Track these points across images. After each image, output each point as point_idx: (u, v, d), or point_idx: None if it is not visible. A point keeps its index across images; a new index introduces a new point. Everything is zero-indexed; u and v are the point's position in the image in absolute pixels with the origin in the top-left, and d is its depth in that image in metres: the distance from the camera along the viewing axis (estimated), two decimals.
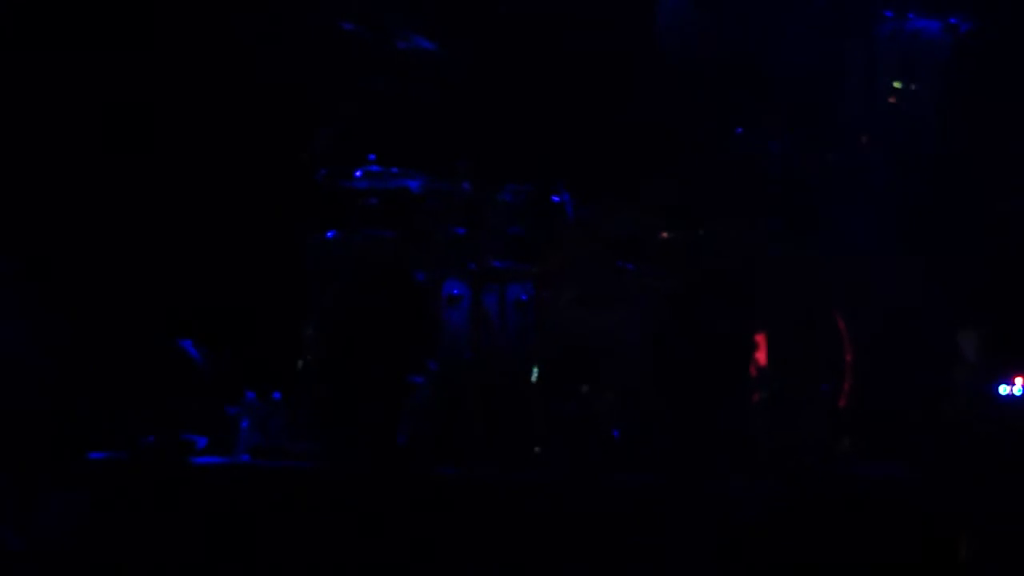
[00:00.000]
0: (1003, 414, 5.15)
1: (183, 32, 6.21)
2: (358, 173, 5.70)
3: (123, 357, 5.51)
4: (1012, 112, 5.42)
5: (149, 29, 6.17)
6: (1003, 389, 5.18)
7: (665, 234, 5.60)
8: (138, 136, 6.21)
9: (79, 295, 5.87)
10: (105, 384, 5.45)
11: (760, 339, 5.29)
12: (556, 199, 5.63)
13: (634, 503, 4.71)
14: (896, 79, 5.60)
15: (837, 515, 4.60)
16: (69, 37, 6.17)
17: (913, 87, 5.58)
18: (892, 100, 5.61)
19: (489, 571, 4.63)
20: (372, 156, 5.73)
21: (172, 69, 6.20)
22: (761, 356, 5.29)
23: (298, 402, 5.47)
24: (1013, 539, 4.49)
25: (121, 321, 5.86)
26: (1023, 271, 5.34)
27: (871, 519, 4.57)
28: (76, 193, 6.12)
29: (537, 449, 5.21)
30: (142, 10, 6.18)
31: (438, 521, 4.77)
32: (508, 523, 4.74)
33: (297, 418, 5.45)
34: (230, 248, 6.17)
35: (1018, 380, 5.15)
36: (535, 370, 5.35)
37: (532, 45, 6.09)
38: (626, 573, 4.60)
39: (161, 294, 6.03)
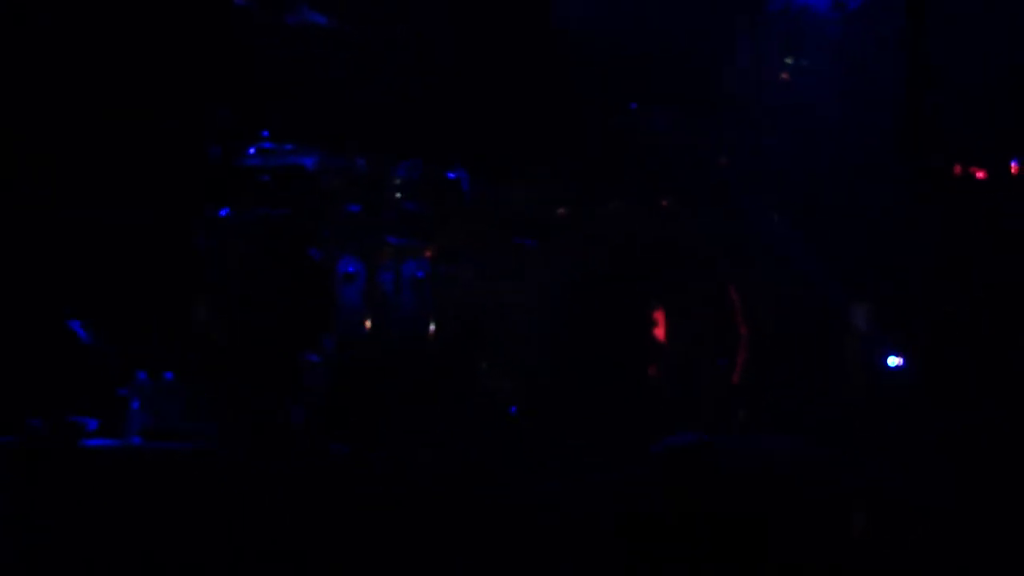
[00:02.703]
0: (891, 385, 5.24)
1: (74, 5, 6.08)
2: (251, 150, 5.64)
3: (9, 339, 5.41)
4: (900, 87, 5.49)
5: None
6: (892, 361, 5.27)
7: (562, 210, 5.60)
8: (28, 114, 6.07)
9: None
10: None
11: (657, 315, 5.32)
12: (452, 175, 5.61)
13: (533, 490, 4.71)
14: (787, 55, 5.65)
15: (732, 491, 4.63)
16: None
17: (804, 63, 5.64)
18: (784, 76, 5.66)
19: (383, 550, 4.61)
20: (265, 133, 5.67)
21: (65, 46, 6.08)
22: (659, 332, 5.32)
23: (190, 382, 5.41)
24: (902, 510, 4.55)
25: (8, 302, 5.74)
26: (912, 245, 5.42)
27: (764, 492, 4.61)
28: None
29: (431, 428, 5.21)
30: None
31: (330, 501, 4.74)
32: (402, 503, 4.72)
33: (189, 398, 5.39)
34: (120, 227, 6.06)
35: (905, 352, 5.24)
36: (431, 347, 5.34)
37: (427, 21, 6.06)
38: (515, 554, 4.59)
39: (49, 275, 5.91)
